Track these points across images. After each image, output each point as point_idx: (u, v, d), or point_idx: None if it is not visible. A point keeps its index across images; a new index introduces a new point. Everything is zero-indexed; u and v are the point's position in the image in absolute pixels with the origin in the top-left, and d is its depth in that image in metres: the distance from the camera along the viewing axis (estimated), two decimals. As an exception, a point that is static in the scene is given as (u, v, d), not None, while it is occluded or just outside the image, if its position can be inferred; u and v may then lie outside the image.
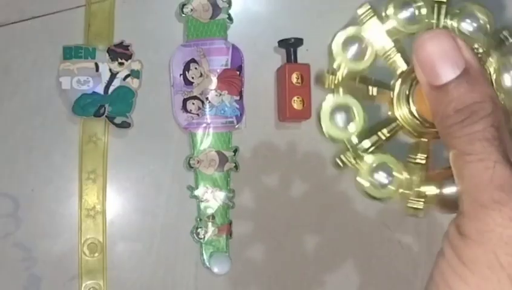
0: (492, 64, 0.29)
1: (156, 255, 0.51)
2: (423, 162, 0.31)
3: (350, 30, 0.32)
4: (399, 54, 0.31)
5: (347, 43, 0.32)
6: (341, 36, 0.32)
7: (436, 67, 0.26)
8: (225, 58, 0.51)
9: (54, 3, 0.51)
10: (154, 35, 0.51)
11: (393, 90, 0.31)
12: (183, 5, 0.51)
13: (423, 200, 0.30)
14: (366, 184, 0.31)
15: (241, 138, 0.51)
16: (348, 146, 0.32)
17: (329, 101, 0.33)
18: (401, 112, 0.30)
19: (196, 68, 0.51)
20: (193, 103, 0.51)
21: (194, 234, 0.50)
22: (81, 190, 0.50)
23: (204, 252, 0.51)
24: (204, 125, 0.51)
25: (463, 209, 0.25)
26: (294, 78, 0.49)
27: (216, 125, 0.51)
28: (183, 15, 0.51)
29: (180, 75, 0.51)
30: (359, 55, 0.31)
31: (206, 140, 0.51)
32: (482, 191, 0.25)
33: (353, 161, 0.31)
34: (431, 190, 0.30)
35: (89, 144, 0.50)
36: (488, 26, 0.30)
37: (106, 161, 0.51)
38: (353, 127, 0.32)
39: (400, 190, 0.31)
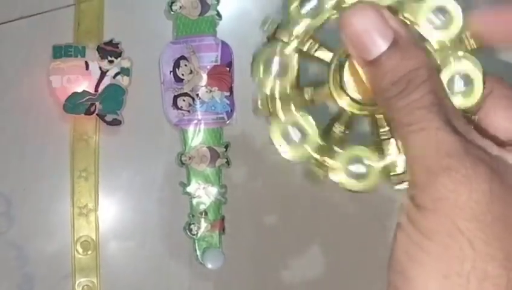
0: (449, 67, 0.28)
1: (149, 251, 0.51)
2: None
3: (264, 52, 0.29)
4: (319, 49, 0.29)
5: (267, 64, 0.29)
6: (258, 62, 0.29)
7: (365, 42, 0.25)
8: (215, 54, 0.51)
9: (44, 3, 0.51)
10: (144, 33, 0.52)
11: (328, 82, 0.29)
12: (172, 3, 0.51)
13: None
14: (344, 181, 0.30)
15: (232, 133, 0.51)
16: (313, 158, 0.30)
17: (275, 128, 0.30)
18: (344, 101, 0.29)
19: (186, 65, 0.51)
20: (183, 100, 0.51)
21: (187, 230, 0.51)
22: (73, 188, 0.50)
23: (197, 248, 0.51)
24: (195, 121, 0.51)
25: (414, 180, 0.25)
26: None
27: (207, 122, 0.51)
28: (172, 12, 0.51)
29: (170, 72, 0.51)
30: (283, 71, 0.29)
31: (197, 136, 0.51)
32: (429, 159, 0.24)
33: (323, 171, 0.30)
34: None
35: (80, 142, 0.50)
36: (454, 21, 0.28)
37: (98, 159, 0.51)
38: (310, 140, 0.30)
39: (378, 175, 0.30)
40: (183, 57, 0.51)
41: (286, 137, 0.30)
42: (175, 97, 0.51)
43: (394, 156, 0.29)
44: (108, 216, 0.51)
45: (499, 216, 0.24)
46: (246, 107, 0.51)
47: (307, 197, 0.51)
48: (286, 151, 0.30)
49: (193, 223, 0.51)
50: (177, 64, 0.51)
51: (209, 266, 0.50)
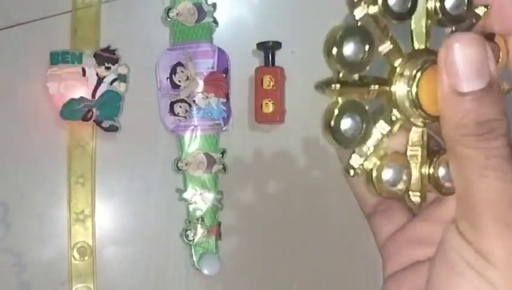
0: None
1: (146, 258, 0.51)
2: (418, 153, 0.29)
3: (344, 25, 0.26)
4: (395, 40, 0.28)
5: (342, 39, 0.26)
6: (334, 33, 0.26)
7: (462, 74, 0.24)
8: (211, 61, 0.51)
9: (41, 10, 0.51)
10: (140, 40, 0.52)
11: (394, 72, 0.28)
12: (169, 10, 0.51)
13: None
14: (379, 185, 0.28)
15: (229, 139, 0.52)
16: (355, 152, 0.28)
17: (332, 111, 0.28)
18: (400, 91, 0.28)
19: (182, 71, 0.51)
20: (180, 106, 0.51)
21: (184, 237, 0.51)
22: (70, 194, 0.50)
23: (194, 254, 0.51)
24: (192, 128, 0.51)
25: (477, 223, 0.24)
26: (267, 81, 0.50)
27: (204, 128, 0.51)
28: (169, 19, 0.51)
29: (167, 78, 0.51)
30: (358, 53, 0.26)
31: (193, 142, 0.51)
32: (502, 209, 0.23)
33: (364, 167, 0.29)
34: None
35: (77, 148, 0.51)
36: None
37: (95, 165, 0.51)
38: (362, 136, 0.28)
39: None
40: (179, 64, 0.51)
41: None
42: (172, 103, 0.51)
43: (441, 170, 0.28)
44: (105, 222, 0.51)
45: None
46: (242, 113, 0.52)
47: (303, 203, 0.51)
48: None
49: (189, 229, 0.51)
50: (173, 71, 0.51)
51: (206, 271, 0.50)
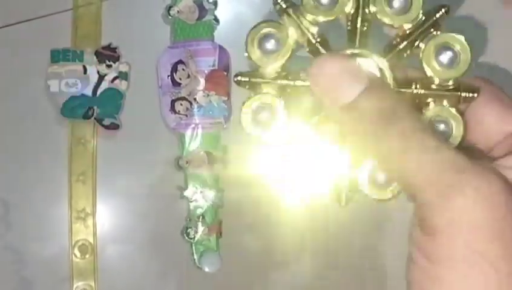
0: (425, 45, 0.27)
1: (147, 255, 0.51)
2: None
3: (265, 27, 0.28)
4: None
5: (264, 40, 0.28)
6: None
7: (339, 88, 0.24)
8: (212, 59, 0.51)
9: (41, 8, 0.51)
10: (141, 38, 0.52)
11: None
12: (170, 7, 0.51)
13: None
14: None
15: (230, 137, 0.51)
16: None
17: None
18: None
19: (183, 69, 0.51)
20: (181, 104, 0.51)
21: (184, 234, 0.51)
22: (71, 192, 0.50)
23: (194, 251, 0.51)
24: (193, 126, 0.51)
25: (422, 204, 0.23)
26: None
27: (205, 126, 0.51)
28: (170, 17, 0.51)
29: (168, 76, 0.51)
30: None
31: (194, 141, 0.51)
32: (437, 179, 0.23)
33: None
34: None
35: (78, 146, 0.51)
36: (417, 4, 0.27)
37: (96, 163, 0.51)
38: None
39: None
40: (180, 62, 0.51)
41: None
42: (173, 101, 0.51)
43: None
44: (106, 220, 0.51)
45: None
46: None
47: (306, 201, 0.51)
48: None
49: (190, 227, 0.51)
50: (174, 69, 0.51)
51: (207, 269, 0.50)
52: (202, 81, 0.51)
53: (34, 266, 0.50)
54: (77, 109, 0.50)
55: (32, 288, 0.50)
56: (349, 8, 0.27)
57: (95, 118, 0.50)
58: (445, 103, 0.27)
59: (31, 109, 0.51)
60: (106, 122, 0.50)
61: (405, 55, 0.27)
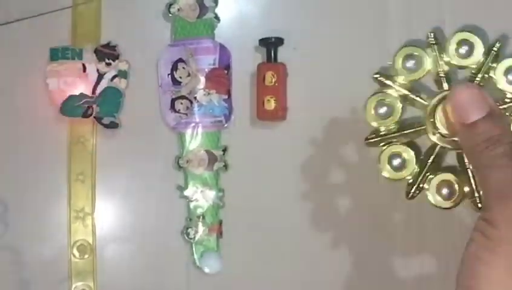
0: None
1: (147, 256, 0.51)
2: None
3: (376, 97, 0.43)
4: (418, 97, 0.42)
5: (378, 106, 0.43)
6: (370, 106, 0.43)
7: (467, 110, 0.35)
8: (213, 57, 0.50)
9: (41, 5, 0.51)
10: (141, 36, 0.51)
11: (425, 123, 0.42)
12: (170, 5, 0.51)
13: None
14: (436, 201, 0.42)
15: (230, 136, 0.51)
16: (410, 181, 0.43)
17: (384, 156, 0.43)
18: (435, 137, 0.41)
19: (184, 68, 0.50)
20: (181, 103, 0.50)
21: (184, 234, 0.50)
22: (70, 192, 0.50)
23: (194, 252, 0.50)
24: (193, 124, 0.50)
25: (489, 204, 0.33)
26: (269, 77, 0.49)
27: (205, 125, 0.51)
28: (170, 15, 0.51)
29: (168, 75, 0.51)
30: (390, 112, 0.42)
31: (194, 140, 0.51)
32: (504, 188, 0.33)
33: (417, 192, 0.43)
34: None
35: (77, 145, 0.50)
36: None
37: (95, 162, 0.50)
38: (408, 170, 0.42)
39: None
40: (180, 60, 0.50)
41: (390, 162, 0.42)
42: (173, 100, 0.50)
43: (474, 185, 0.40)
44: (105, 220, 0.51)
45: None
46: (244, 110, 0.51)
47: (304, 201, 0.51)
48: (387, 174, 0.42)
49: (190, 227, 0.50)
50: (174, 67, 0.50)
51: (207, 270, 0.50)
52: (202, 79, 0.50)
53: (32, 266, 0.50)
54: (76, 107, 0.49)
55: (30, 288, 0.50)
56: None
57: (94, 117, 0.50)
58: None
59: (30, 107, 0.50)
60: (106, 121, 0.50)
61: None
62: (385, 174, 0.42)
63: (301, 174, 0.51)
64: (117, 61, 0.50)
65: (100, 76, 0.50)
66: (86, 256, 0.50)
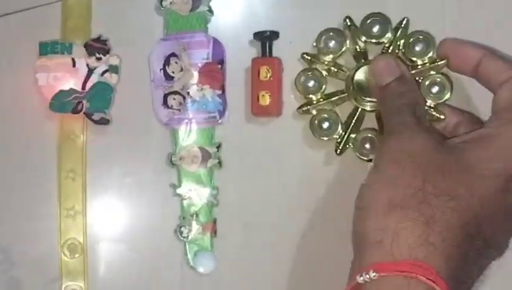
0: (428, 78, 0.47)
1: (139, 255, 0.50)
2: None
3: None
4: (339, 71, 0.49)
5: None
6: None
7: (382, 75, 0.44)
8: (206, 51, 0.49)
9: (30, -1, 0.50)
10: (133, 30, 0.50)
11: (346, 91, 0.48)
12: (162, -2, 0.50)
13: None
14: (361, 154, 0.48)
15: (224, 133, 0.50)
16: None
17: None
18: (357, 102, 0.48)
19: (176, 62, 0.49)
20: (174, 98, 0.49)
21: (178, 233, 0.49)
22: (60, 190, 0.49)
23: (188, 251, 0.49)
24: (186, 121, 0.49)
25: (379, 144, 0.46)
26: (264, 72, 0.48)
27: (199, 121, 0.49)
28: (162, 8, 0.50)
29: (160, 69, 0.49)
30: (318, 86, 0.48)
31: (188, 136, 0.50)
32: (396, 128, 0.42)
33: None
34: None
35: (67, 141, 0.49)
36: (431, 51, 0.47)
37: (86, 159, 0.49)
38: (335, 131, 0.48)
39: None
40: (173, 54, 0.49)
41: (320, 125, 0.48)
42: (166, 96, 0.49)
43: None
44: (96, 218, 0.50)
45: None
46: (238, 105, 0.50)
47: (300, 198, 0.50)
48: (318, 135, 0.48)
49: (184, 226, 0.49)
50: (167, 62, 0.49)
51: (201, 269, 0.49)
52: (196, 74, 0.49)
53: (22, 265, 0.49)
54: (66, 103, 0.48)
55: (20, 288, 0.49)
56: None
57: (84, 113, 0.49)
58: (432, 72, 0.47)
59: (19, 103, 0.49)
60: (96, 117, 0.49)
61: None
62: (321, 135, 0.48)
63: (297, 171, 0.50)
64: (107, 55, 0.49)
65: (90, 71, 0.49)
66: (77, 255, 0.49)
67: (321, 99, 0.48)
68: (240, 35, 0.50)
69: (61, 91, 0.48)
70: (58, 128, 0.49)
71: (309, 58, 0.48)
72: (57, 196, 0.49)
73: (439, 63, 0.46)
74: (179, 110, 0.49)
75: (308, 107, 0.48)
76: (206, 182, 0.50)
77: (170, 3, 0.49)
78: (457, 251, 0.37)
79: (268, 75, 0.48)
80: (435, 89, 0.46)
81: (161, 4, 0.49)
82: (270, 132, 0.50)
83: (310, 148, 0.50)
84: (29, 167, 0.49)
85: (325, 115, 0.48)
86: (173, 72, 0.49)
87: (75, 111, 0.48)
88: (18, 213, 0.49)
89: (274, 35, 0.49)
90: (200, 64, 0.49)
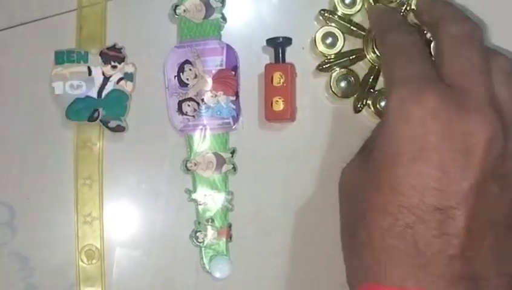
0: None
1: (155, 260, 0.50)
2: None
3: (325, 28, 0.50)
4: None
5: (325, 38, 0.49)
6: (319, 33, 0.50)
7: (383, 26, 0.45)
8: (219, 58, 0.50)
9: (45, 9, 0.50)
10: (147, 38, 0.51)
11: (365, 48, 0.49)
12: (176, 6, 0.50)
13: None
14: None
15: (238, 138, 0.50)
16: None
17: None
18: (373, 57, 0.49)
19: (190, 69, 0.50)
20: (188, 105, 0.50)
21: (193, 238, 0.50)
22: (77, 197, 0.49)
23: (204, 256, 0.50)
24: (201, 127, 0.50)
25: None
26: (277, 78, 0.48)
27: (213, 127, 0.50)
28: (176, 16, 0.50)
29: (175, 76, 0.50)
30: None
31: (202, 142, 0.50)
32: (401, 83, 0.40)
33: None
34: None
35: (84, 149, 0.50)
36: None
37: (102, 166, 0.50)
38: (355, 88, 0.50)
39: None
40: (187, 61, 0.50)
41: (339, 83, 0.49)
42: (180, 102, 0.50)
43: None
44: (113, 224, 0.50)
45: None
46: (252, 111, 0.50)
47: (315, 203, 0.50)
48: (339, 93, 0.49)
49: (199, 231, 0.50)
50: (181, 69, 0.50)
51: (216, 274, 0.49)
52: (210, 81, 0.50)
53: (40, 272, 0.49)
54: (82, 111, 0.49)
55: (38, 295, 0.49)
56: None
57: (100, 120, 0.49)
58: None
59: (36, 112, 0.50)
60: (112, 124, 0.49)
61: None
62: (338, 93, 0.49)
63: (312, 176, 0.50)
64: (122, 63, 0.49)
65: (106, 79, 0.49)
66: (94, 261, 0.49)
67: (339, 57, 0.49)
68: (253, 41, 0.51)
69: (77, 99, 0.49)
70: (74, 136, 0.50)
71: (327, 14, 0.49)
72: (74, 203, 0.49)
73: None
74: (193, 116, 0.50)
75: (329, 64, 0.49)
76: (221, 188, 0.50)
77: (184, 11, 0.50)
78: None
79: (281, 81, 0.49)
80: None
81: (175, 12, 0.50)
82: (284, 137, 0.50)
83: (324, 153, 0.50)
84: (46, 175, 0.50)
85: (344, 72, 0.49)
86: (187, 79, 0.50)
87: (91, 119, 0.49)
88: (35, 220, 0.50)
89: (287, 41, 0.50)
90: (213, 71, 0.50)
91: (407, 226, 0.36)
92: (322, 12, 0.49)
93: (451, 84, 0.38)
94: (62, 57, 0.49)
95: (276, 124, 0.50)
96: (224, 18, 0.50)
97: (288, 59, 0.50)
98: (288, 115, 0.49)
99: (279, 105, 0.48)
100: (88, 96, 0.49)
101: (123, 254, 0.50)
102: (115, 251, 0.50)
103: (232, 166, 0.50)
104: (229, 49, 0.50)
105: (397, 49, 0.41)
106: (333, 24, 0.49)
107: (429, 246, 0.36)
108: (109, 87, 0.49)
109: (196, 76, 0.50)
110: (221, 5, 0.50)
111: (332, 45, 0.49)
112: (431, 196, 0.36)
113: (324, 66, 0.49)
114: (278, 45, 0.49)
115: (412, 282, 0.36)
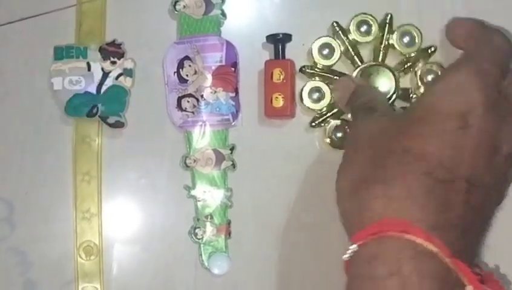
0: (419, 68, 0.48)
1: (154, 257, 0.50)
2: None
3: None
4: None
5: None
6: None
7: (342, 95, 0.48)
8: (219, 54, 0.50)
9: (45, 4, 0.50)
10: (147, 33, 0.51)
11: None
12: (176, 2, 0.50)
13: None
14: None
15: (238, 135, 0.50)
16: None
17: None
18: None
19: (190, 65, 0.50)
20: (188, 101, 0.50)
21: (192, 235, 0.50)
22: (75, 192, 0.49)
23: (203, 252, 0.50)
24: (200, 123, 0.50)
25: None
26: (277, 74, 0.48)
27: (212, 123, 0.50)
28: (176, 12, 0.50)
29: (174, 73, 0.50)
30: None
31: (202, 138, 0.50)
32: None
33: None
34: None
35: (82, 145, 0.50)
36: (418, 41, 0.48)
37: (101, 162, 0.50)
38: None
39: None
40: (187, 58, 0.50)
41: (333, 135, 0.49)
42: (179, 98, 0.50)
43: None
44: (111, 220, 0.50)
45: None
46: (252, 108, 0.50)
47: (314, 200, 0.50)
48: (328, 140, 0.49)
49: (198, 227, 0.49)
50: (180, 65, 0.50)
51: (215, 271, 0.49)
52: (209, 77, 0.50)
53: (39, 267, 0.49)
54: (81, 107, 0.49)
55: (37, 290, 0.49)
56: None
57: (99, 116, 0.49)
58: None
59: (35, 107, 0.50)
60: (111, 120, 0.49)
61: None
62: (327, 141, 0.49)
63: (311, 172, 0.50)
64: (122, 59, 0.49)
65: (105, 75, 0.49)
66: (92, 257, 0.49)
67: (326, 111, 0.49)
68: (253, 38, 0.51)
69: (76, 95, 0.49)
70: (73, 132, 0.50)
71: (308, 70, 0.49)
72: (73, 199, 0.49)
73: (429, 52, 0.48)
74: (193, 112, 0.50)
75: (320, 120, 0.49)
76: (220, 184, 0.50)
77: (184, 7, 0.50)
78: (430, 197, 0.36)
79: (281, 77, 0.48)
80: (430, 77, 0.48)
81: (174, 8, 0.50)
82: (283, 133, 0.50)
83: (323, 149, 0.50)
84: (45, 171, 0.50)
85: (338, 124, 0.49)
86: (187, 75, 0.50)
87: (90, 115, 0.49)
88: (34, 216, 0.50)
89: (287, 37, 0.49)
90: (213, 67, 0.50)
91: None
92: (303, 69, 0.49)
93: None
94: (61, 53, 0.49)
95: (276, 120, 0.50)
96: (224, 14, 0.50)
97: (288, 55, 0.49)
98: (288, 111, 0.49)
99: (278, 101, 0.48)
100: (87, 92, 0.49)
101: (121, 250, 0.50)
102: (114, 247, 0.50)
103: (231, 163, 0.50)
104: (229, 46, 0.50)
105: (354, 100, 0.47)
106: (316, 78, 0.49)
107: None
108: (108, 83, 0.49)
109: (195, 72, 0.50)
110: (220, 1, 0.50)
111: (319, 99, 0.49)
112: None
113: (316, 122, 0.49)
114: (278, 41, 0.49)
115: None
